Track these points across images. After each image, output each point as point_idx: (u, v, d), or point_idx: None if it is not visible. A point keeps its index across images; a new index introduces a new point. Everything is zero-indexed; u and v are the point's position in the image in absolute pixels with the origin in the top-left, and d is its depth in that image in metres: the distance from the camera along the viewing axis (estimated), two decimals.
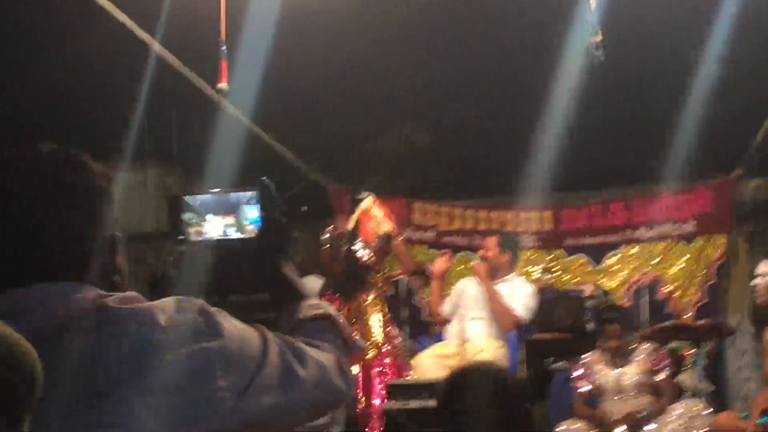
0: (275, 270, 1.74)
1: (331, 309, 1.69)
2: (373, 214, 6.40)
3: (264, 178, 1.86)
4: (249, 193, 2.29)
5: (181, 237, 2.36)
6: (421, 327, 8.25)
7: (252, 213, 2.27)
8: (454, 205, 8.96)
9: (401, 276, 8.51)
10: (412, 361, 6.24)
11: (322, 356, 1.58)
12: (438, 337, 6.73)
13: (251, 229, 2.25)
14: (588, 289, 7.23)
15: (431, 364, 6.06)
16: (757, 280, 5.03)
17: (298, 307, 1.68)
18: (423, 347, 6.59)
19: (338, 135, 9.23)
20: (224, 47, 5.10)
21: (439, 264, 6.70)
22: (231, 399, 1.38)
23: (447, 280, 6.97)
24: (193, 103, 6.51)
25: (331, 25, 6.64)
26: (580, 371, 6.05)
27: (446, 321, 6.59)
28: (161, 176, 8.27)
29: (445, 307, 6.64)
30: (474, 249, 7.98)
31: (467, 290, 6.59)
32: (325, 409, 1.63)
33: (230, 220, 2.35)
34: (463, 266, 8.45)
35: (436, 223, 8.83)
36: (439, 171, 10.06)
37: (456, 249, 8.60)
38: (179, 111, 7.50)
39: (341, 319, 1.69)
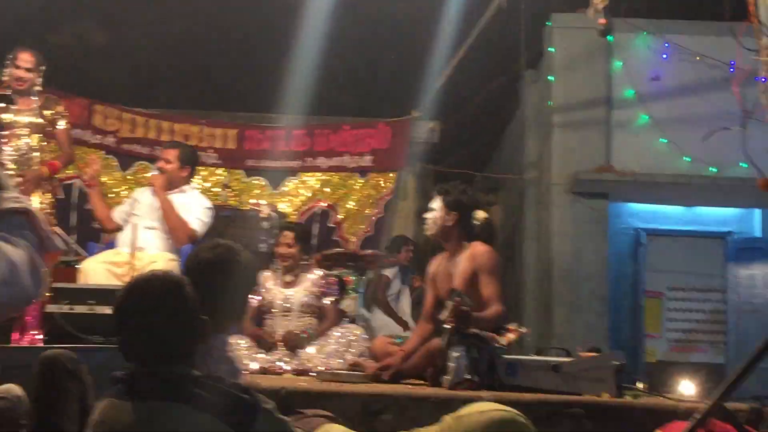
0: None
1: (29, 204, 1.61)
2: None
3: None
4: None
5: None
6: (91, 233, 7.99)
7: None
8: (138, 112, 8.70)
9: (73, 180, 8.20)
10: (80, 266, 6.03)
11: (15, 253, 1.50)
12: (110, 245, 6.55)
13: None
14: (264, 210, 7.33)
15: (100, 270, 5.88)
16: (429, 214, 5.34)
17: None
18: (93, 254, 6.38)
19: (12, 26, 8.65)
20: None
21: (88, 170, 6.50)
22: None
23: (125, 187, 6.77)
24: None
25: None
26: None
27: (118, 228, 6.44)
28: None
29: (117, 214, 6.48)
30: (154, 159, 7.83)
31: (142, 199, 6.45)
32: (14, 307, 1.56)
33: None
34: (141, 175, 8.29)
35: (118, 128, 8.53)
36: (123, 76, 9.74)
37: (135, 157, 8.42)
38: None
39: (40, 216, 1.62)
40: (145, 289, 2.54)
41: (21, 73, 6.23)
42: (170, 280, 2.60)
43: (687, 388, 5.09)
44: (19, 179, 6.10)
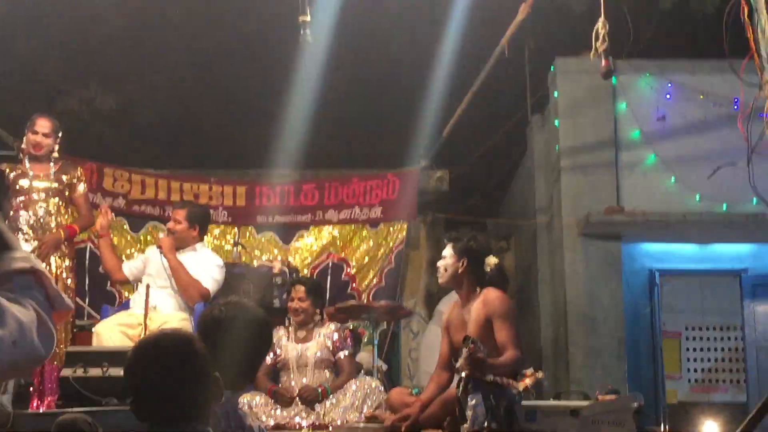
0: None
1: (38, 263, 1.61)
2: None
3: None
4: None
5: None
6: (104, 296, 8.00)
7: None
8: (148, 173, 8.75)
9: (84, 243, 8.22)
10: (94, 329, 6.04)
11: (23, 313, 1.50)
12: (123, 306, 6.56)
13: None
14: (276, 266, 7.34)
15: (113, 332, 5.90)
16: (440, 262, 5.36)
17: (2, 259, 1.58)
18: (106, 316, 6.39)
19: (20, 92, 8.78)
20: None
21: (100, 220, 6.56)
22: None
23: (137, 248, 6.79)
24: None
25: None
26: None
27: (126, 280, 6.51)
28: None
29: (126, 267, 6.53)
30: (165, 219, 7.86)
31: (153, 258, 6.48)
32: (23, 368, 1.55)
33: None
34: (153, 236, 8.32)
35: (128, 190, 8.58)
36: (131, 138, 9.83)
37: (146, 218, 8.45)
38: None
39: (48, 275, 1.62)
40: (155, 348, 2.54)
41: (38, 138, 6.34)
42: (179, 338, 2.59)
43: (710, 428, 5.02)
44: (36, 243, 6.16)
